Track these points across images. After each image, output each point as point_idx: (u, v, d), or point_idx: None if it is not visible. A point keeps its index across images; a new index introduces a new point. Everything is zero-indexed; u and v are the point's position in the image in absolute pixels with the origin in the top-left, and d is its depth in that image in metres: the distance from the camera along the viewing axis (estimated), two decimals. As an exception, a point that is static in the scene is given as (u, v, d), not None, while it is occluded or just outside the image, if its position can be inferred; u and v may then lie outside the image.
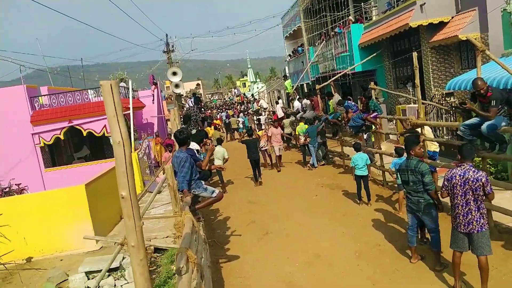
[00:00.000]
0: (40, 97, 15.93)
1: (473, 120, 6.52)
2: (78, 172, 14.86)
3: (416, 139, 7.11)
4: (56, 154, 17.00)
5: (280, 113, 19.61)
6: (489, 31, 11.40)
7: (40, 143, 15.28)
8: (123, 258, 7.36)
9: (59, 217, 8.43)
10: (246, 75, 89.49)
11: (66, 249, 8.46)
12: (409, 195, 5.69)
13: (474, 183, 4.68)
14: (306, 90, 24.70)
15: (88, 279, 7.05)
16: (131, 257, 1.97)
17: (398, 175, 6.09)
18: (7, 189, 14.29)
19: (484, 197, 4.73)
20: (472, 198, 4.73)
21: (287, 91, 28.84)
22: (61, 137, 15.59)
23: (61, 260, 8.13)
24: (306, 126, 13.96)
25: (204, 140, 8.94)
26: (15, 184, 14.49)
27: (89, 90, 17.00)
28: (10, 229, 7.20)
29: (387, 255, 6.34)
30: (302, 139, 13.65)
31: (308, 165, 13.66)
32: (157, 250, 7.74)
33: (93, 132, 15.62)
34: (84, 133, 15.74)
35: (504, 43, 11.02)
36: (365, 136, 11.56)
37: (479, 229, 4.71)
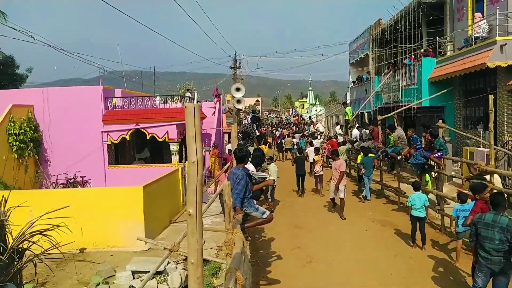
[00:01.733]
0: (114, 98, 17.10)
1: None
2: (138, 172, 15.64)
3: (483, 187, 6.67)
4: (120, 153, 18.04)
5: (340, 139, 19.33)
6: None
7: (107, 141, 16.32)
8: (168, 263, 7.57)
9: (115, 213, 8.90)
10: (306, 97, 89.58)
11: (117, 245, 8.88)
12: (487, 254, 5.07)
13: None
14: (366, 119, 24.16)
15: (134, 278, 7.32)
16: (189, 273, 2.04)
17: (475, 228, 5.27)
18: (72, 180, 15.41)
19: None
20: None
21: (346, 118, 28.39)
22: (127, 137, 16.55)
23: (111, 255, 8.53)
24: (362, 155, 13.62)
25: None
26: (80, 176, 15.59)
27: (157, 97, 17.96)
28: (71, 219, 7.72)
29: (439, 308, 5.91)
30: (363, 170, 13.18)
31: (361, 196, 13.26)
32: (200, 260, 7.84)
33: (156, 136, 16.41)
34: (148, 136, 16.59)
35: None
36: (433, 175, 10.95)
37: None
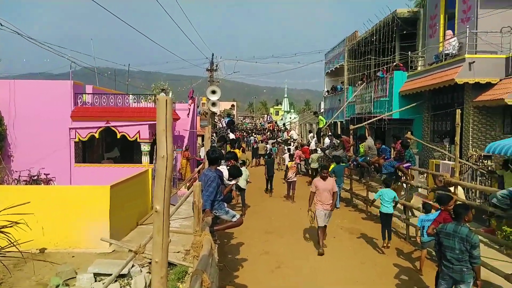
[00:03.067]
0: (84, 95, 16.62)
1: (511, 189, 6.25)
2: (105, 172, 15.21)
3: (449, 198, 6.88)
4: (88, 151, 17.52)
5: (312, 145, 19.61)
6: (538, 100, 11.05)
7: (75, 138, 15.81)
8: (132, 266, 7.36)
9: (79, 213, 8.59)
10: (281, 104, 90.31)
11: (80, 246, 8.56)
12: (448, 263, 5.20)
13: None
14: (339, 129, 24.57)
15: (95, 280, 7.06)
16: (153, 273, 1.96)
17: (438, 237, 5.41)
18: (36, 177, 14.81)
19: None
20: None
21: (319, 126, 28.81)
22: (96, 135, 16.10)
23: (73, 256, 8.22)
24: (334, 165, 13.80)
25: (232, 161, 9.02)
26: (44, 174, 15.01)
27: (130, 96, 17.59)
28: (32, 217, 7.38)
29: (402, 315, 6.01)
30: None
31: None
32: (166, 263, 7.66)
33: (127, 135, 16.04)
34: (118, 135, 16.19)
35: (553, 114, 10.63)
36: (402, 193, 11.27)
37: None
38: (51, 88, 15.96)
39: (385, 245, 8.69)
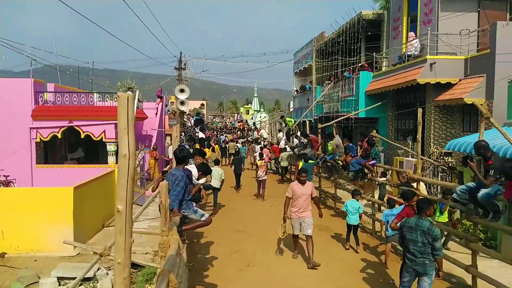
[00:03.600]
0: (45, 93, 16.00)
1: (470, 184, 6.54)
2: (69, 173, 14.74)
3: (412, 194, 7.14)
4: (50, 152, 16.89)
5: (281, 144, 19.82)
6: (494, 99, 11.63)
7: (36, 138, 15.21)
8: (98, 269, 7.18)
9: (41, 216, 8.29)
10: (251, 103, 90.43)
11: (42, 250, 8.26)
12: (411, 256, 5.39)
13: None
14: (307, 128, 24.90)
15: (59, 284, 6.84)
16: (115, 274, 1.91)
17: (401, 231, 5.60)
18: (-6, 179, 14.10)
19: None
20: None
21: (289, 127, 29.12)
22: (59, 135, 15.55)
23: (35, 260, 7.94)
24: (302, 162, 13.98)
25: (198, 157, 8.92)
26: (3, 176, 14.33)
27: (94, 94, 17.09)
28: (-10, 221, 7.05)
29: (368, 308, 6.17)
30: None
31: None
32: (133, 265, 7.54)
33: (91, 135, 15.58)
34: (82, 135, 15.71)
35: (507, 113, 11.24)
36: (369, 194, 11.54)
37: None
38: (11, 86, 15.28)
39: (350, 247, 8.82)
